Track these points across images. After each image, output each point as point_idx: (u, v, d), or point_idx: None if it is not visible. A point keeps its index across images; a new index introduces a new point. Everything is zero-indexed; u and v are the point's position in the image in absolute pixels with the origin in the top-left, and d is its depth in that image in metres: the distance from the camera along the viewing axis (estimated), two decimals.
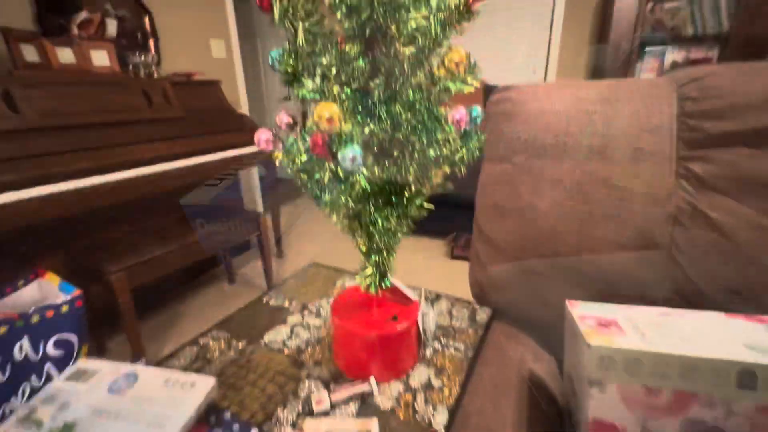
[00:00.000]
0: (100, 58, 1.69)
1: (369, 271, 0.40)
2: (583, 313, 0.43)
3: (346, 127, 0.24)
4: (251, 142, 2.09)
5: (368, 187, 0.30)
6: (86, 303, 1.06)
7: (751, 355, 0.33)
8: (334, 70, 0.29)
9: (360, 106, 0.31)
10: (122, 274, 1.24)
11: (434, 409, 0.38)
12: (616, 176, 0.52)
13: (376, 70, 0.31)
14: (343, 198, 0.33)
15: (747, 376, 0.33)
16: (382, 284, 0.40)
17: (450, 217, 2.15)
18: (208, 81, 2.06)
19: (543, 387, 0.49)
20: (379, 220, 0.35)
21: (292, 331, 0.48)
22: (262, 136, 0.32)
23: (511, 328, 0.59)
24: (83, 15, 1.80)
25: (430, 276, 1.95)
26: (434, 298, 0.55)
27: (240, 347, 0.44)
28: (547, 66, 2.93)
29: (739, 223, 0.47)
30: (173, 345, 1.48)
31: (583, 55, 2.79)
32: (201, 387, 0.35)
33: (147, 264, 1.33)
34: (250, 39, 3.95)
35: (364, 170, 0.29)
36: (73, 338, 0.99)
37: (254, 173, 2.96)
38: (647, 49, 2.43)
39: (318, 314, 0.52)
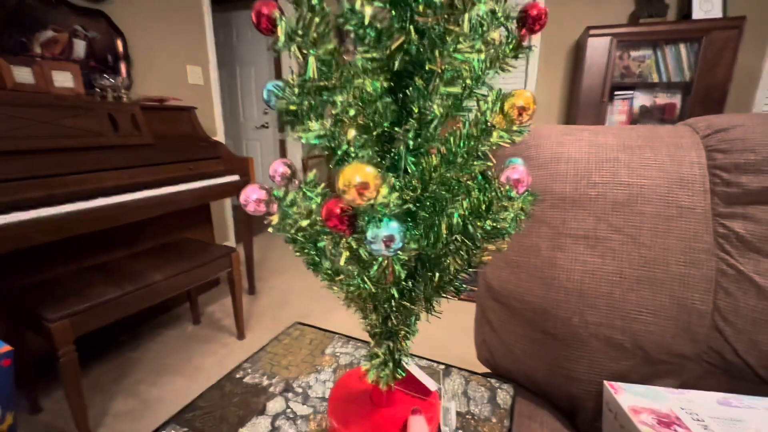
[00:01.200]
0: (63, 80, 1.57)
1: (379, 359, 0.31)
2: (634, 403, 0.36)
3: (383, 197, 0.17)
4: (225, 172, 1.99)
5: (403, 274, 0.23)
6: (19, 358, 0.89)
7: None
8: (352, 111, 0.21)
9: (381, 158, 0.23)
10: (65, 322, 1.07)
11: None
12: (646, 233, 0.46)
13: (406, 113, 0.23)
14: (360, 281, 0.25)
15: None
16: (396, 375, 0.31)
17: None
18: (182, 107, 1.96)
19: None
20: (403, 303, 0.27)
21: (273, 425, 0.38)
22: (252, 195, 0.24)
23: (532, 406, 0.50)
24: (48, 34, 1.69)
25: (432, 321, 1.86)
26: (445, 371, 0.46)
27: None
28: None
29: None
30: (122, 400, 1.28)
31: (557, 95, 2.91)
32: None
33: (96, 310, 1.16)
34: (228, 64, 3.90)
35: (402, 254, 0.21)
36: None
37: (227, 204, 2.82)
38: (617, 93, 2.56)
39: (306, 399, 0.42)
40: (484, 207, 0.25)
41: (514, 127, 0.23)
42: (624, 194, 0.48)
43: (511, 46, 0.24)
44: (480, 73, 0.24)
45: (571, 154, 0.52)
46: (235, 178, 1.95)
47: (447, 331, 1.57)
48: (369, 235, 0.19)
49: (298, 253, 0.30)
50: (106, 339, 1.62)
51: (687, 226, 0.46)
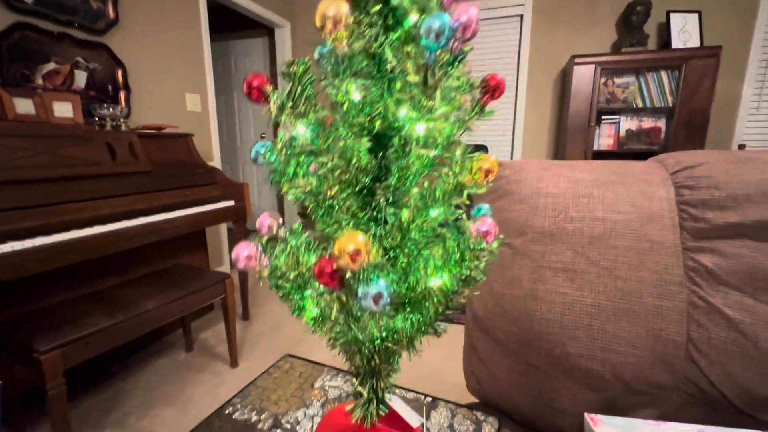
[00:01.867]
0: (63, 110, 1.60)
1: (363, 399, 0.32)
2: (600, 419, 0.37)
3: (373, 258, 0.19)
4: (221, 198, 2.01)
5: (393, 326, 0.24)
6: (7, 392, 0.88)
7: None
8: (337, 172, 0.24)
9: (362, 209, 0.25)
10: (56, 353, 1.06)
11: None
12: (621, 266, 0.49)
13: (385, 169, 0.26)
14: (347, 328, 0.26)
15: None
16: (378, 412, 0.32)
17: None
18: (179, 134, 2.00)
19: None
20: (387, 345, 0.28)
21: None
22: (242, 252, 0.26)
23: (512, 427, 0.51)
24: (51, 66, 1.74)
25: (428, 347, 1.85)
26: (431, 404, 0.47)
27: None
28: (514, 129, 3.11)
29: (757, 323, 0.44)
30: None
31: (546, 120, 2.99)
32: None
33: (87, 340, 1.15)
34: (226, 91, 3.99)
35: (390, 310, 0.23)
36: None
37: (222, 228, 2.83)
38: (603, 117, 2.65)
39: (294, 428, 0.42)
40: (458, 256, 0.27)
41: (481, 188, 0.26)
42: (599, 228, 0.51)
43: (475, 111, 0.27)
44: (450, 133, 0.26)
45: (549, 190, 0.55)
46: (231, 203, 1.97)
47: (443, 359, 1.56)
48: (360, 292, 0.20)
49: (282, 300, 0.32)
50: (97, 369, 1.60)
51: (658, 260, 0.48)
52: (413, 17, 0.25)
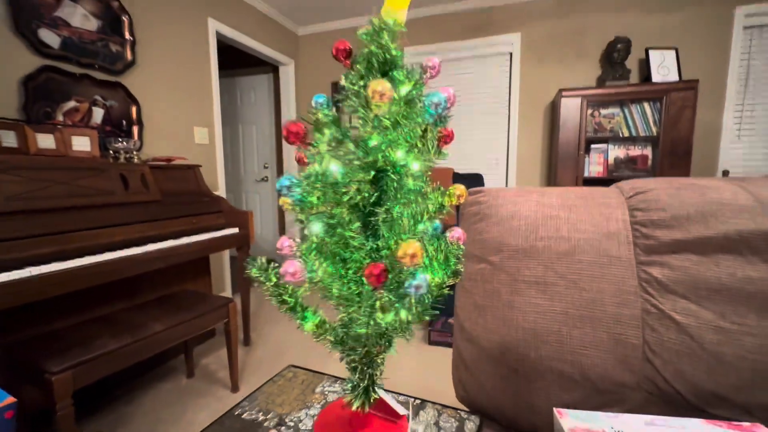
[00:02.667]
0: (81, 144, 1.72)
1: (358, 387, 0.38)
2: (574, 425, 0.43)
3: (420, 260, 0.27)
4: (226, 225, 2.09)
5: (396, 316, 0.32)
6: (20, 410, 0.92)
7: None
8: (351, 194, 0.32)
9: (365, 227, 0.33)
10: (67, 374, 1.10)
11: None
12: (585, 279, 0.56)
13: (383, 198, 0.34)
14: (351, 329, 0.33)
15: None
16: (369, 399, 0.39)
17: None
18: (187, 165, 2.11)
19: None
20: (388, 333, 0.35)
21: None
22: (290, 269, 0.32)
23: (496, 427, 0.56)
24: (71, 104, 1.87)
25: (408, 364, 1.87)
26: (420, 405, 0.53)
27: None
28: (507, 158, 3.24)
29: (703, 326, 0.50)
30: None
31: (538, 149, 3.12)
32: None
33: (97, 362, 1.19)
34: (232, 123, 4.17)
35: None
36: None
37: (225, 256, 2.89)
38: (592, 146, 2.77)
39: (297, 430, 0.48)
40: (442, 257, 0.35)
41: (452, 205, 0.34)
42: (565, 246, 0.58)
43: (435, 154, 0.35)
44: (422, 175, 0.35)
45: (522, 213, 0.63)
46: (235, 230, 2.05)
47: (439, 377, 1.58)
48: (408, 284, 0.28)
49: (284, 311, 0.39)
50: (102, 393, 1.62)
51: (616, 273, 0.55)
52: (406, 88, 0.34)
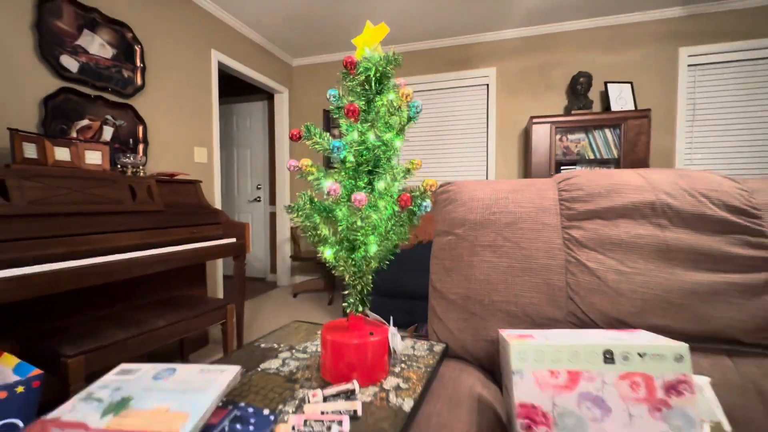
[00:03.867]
0: (94, 158, 1.87)
1: (353, 296, 0.54)
2: (510, 333, 0.59)
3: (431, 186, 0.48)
4: (224, 236, 2.23)
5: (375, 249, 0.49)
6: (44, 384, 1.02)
7: (609, 342, 0.50)
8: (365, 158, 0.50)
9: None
10: (80, 358, 1.21)
11: (402, 400, 0.49)
12: (524, 240, 0.73)
13: (377, 165, 0.52)
14: (350, 255, 0.51)
15: (608, 354, 0.49)
16: (362, 307, 0.54)
17: (411, 309, 2.29)
18: (189, 180, 2.26)
19: (489, 404, 0.60)
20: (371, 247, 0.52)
21: (283, 362, 0.59)
22: (333, 186, 0.50)
23: (463, 364, 0.71)
24: (84, 122, 2.03)
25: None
26: (401, 338, 0.68)
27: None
28: (487, 178, 3.48)
29: (607, 270, 0.68)
30: None
31: (514, 169, 3.38)
32: (230, 371, 0.44)
33: (106, 350, 1.30)
34: (228, 147, 4.35)
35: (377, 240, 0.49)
36: (20, 425, 0.94)
37: (219, 268, 2.99)
38: (562, 167, 3.04)
39: (304, 351, 0.63)
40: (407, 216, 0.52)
41: (429, 192, 0.52)
42: (511, 218, 0.76)
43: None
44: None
45: (479, 196, 0.81)
46: (233, 240, 2.18)
47: None
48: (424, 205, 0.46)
49: (306, 232, 0.55)
50: None
51: (547, 235, 0.73)
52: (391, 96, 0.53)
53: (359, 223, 0.53)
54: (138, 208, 1.83)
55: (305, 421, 0.41)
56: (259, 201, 4.28)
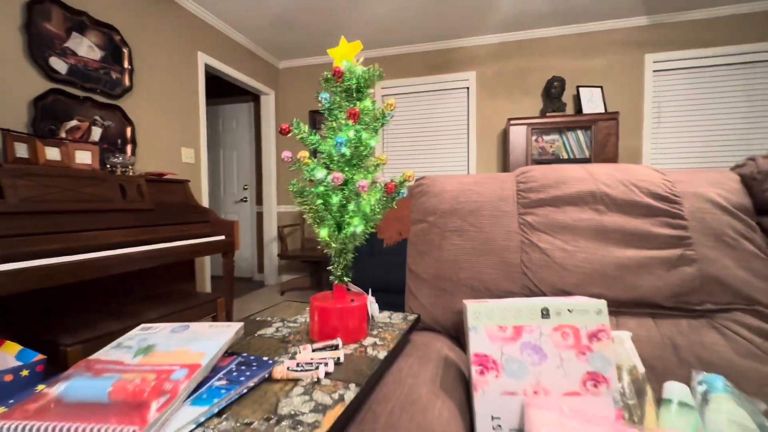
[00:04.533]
0: (84, 158, 1.91)
1: (338, 266, 0.64)
2: (470, 301, 0.70)
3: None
4: (212, 233, 2.29)
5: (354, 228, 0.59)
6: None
7: (546, 302, 0.61)
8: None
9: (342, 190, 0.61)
10: (78, 347, 1.27)
11: (378, 352, 0.59)
12: (485, 225, 0.85)
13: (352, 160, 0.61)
14: (339, 234, 0.61)
15: (545, 310, 0.60)
16: (346, 277, 0.65)
17: (395, 302, 2.39)
18: (178, 180, 2.32)
19: (453, 362, 0.71)
20: (350, 226, 0.62)
21: (277, 330, 0.68)
22: (338, 176, 0.61)
23: (435, 334, 0.82)
24: (73, 123, 2.07)
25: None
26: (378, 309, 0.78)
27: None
28: None
29: (555, 249, 0.80)
30: None
31: (494, 168, 3.53)
32: (235, 326, 0.54)
33: (102, 339, 1.36)
34: (214, 148, 4.38)
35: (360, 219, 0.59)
36: None
37: (207, 267, 3.04)
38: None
39: (295, 322, 0.72)
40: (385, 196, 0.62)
41: (407, 183, 0.62)
42: (475, 205, 0.87)
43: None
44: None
45: (448, 188, 0.92)
46: (222, 237, 2.25)
47: None
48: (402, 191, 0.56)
49: (306, 208, 0.65)
50: None
51: (506, 220, 0.84)
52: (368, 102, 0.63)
53: (351, 206, 0.63)
54: (128, 206, 1.89)
55: (297, 364, 0.51)
56: (246, 201, 4.32)
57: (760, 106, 3.09)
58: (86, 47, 2.13)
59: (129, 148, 2.37)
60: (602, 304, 0.59)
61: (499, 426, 0.58)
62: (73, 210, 1.65)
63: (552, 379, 0.58)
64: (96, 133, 2.19)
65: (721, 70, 3.16)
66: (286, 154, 0.64)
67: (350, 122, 0.63)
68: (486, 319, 0.61)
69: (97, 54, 2.18)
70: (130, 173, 2.14)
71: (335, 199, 0.63)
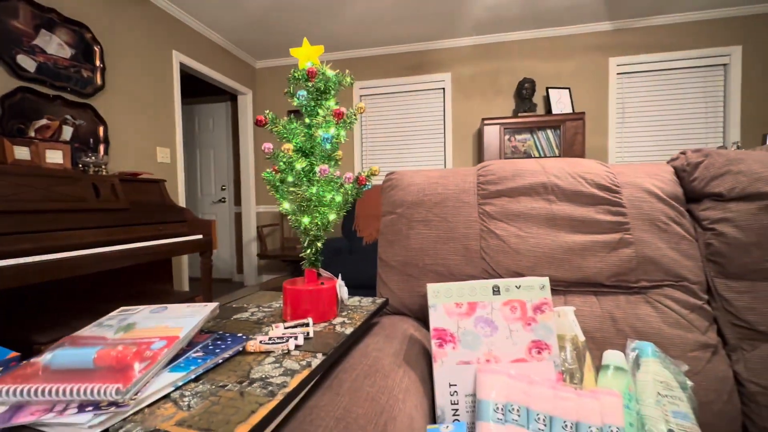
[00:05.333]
0: (54, 157, 1.88)
1: (309, 252, 0.69)
2: (432, 282, 0.76)
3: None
4: (189, 233, 2.28)
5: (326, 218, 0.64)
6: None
7: (497, 280, 0.68)
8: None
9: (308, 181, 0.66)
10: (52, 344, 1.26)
11: (345, 329, 0.65)
12: (449, 215, 0.91)
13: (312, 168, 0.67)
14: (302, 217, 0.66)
15: (496, 288, 0.67)
16: (316, 262, 0.70)
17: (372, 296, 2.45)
18: (154, 179, 2.30)
19: (418, 339, 0.77)
20: (319, 216, 0.67)
21: (251, 314, 0.73)
22: (322, 167, 0.64)
23: (402, 317, 0.88)
24: (43, 122, 2.04)
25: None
26: (349, 293, 0.83)
27: (214, 322, 0.66)
28: None
29: (510, 235, 0.87)
30: None
31: (470, 166, 3.64)
32: (211, 305, 0.58)
33: None
34: (190, 148, 4.33)
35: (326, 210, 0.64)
36: None
37: (184, 267, 3.01)
38: None
39: (270, 307, 0.77)
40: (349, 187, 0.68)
41: (373, 176, 0.67)
42: (439, 197, 0.94)
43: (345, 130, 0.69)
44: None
45: (416, 182, 0.99)
46: (199, 236, 2.25)
47: None
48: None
49: (277, 195, 0.69)
50: None
51: (467, 210, 0.91)
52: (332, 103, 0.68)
53: (328, 197, 0.68)
54: (102, 206, 1.87)
55: (269, 338, 0.56)
56: (224, 202, 4.29)
57: (714, 105, 3.31)
58: (56, 45, 2.09)
59: (102, 147, 2.33)
60: (545, 280, 0.67)
61: (456, 392, 0.64)
62: (45, 209, 1.63)
63: (502, 349, 0.65)
64: (67, 132, 2.15)
65: (679, 72, 3.37)
66: (267, 145, 0.68)
67: (334, 120, 0.69)
68: (444, 297, 0.68)
69: (67, 52, 2.14)
70: (104, 173, 2.12)
71: (313, 190, 0.68)
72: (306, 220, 0.70)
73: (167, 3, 2.82)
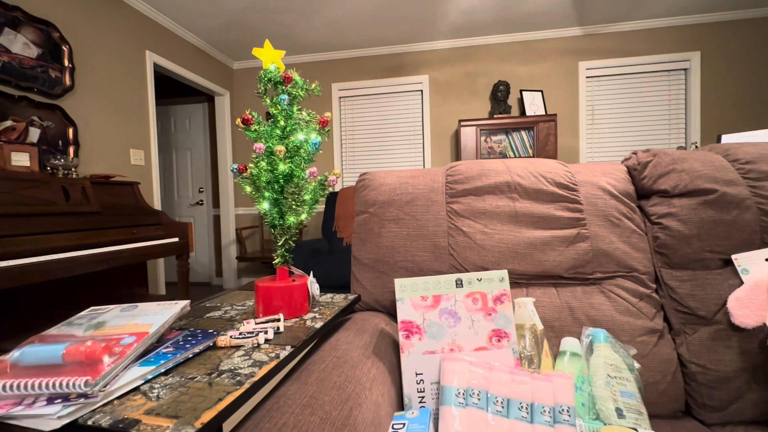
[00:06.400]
0: (21, 159, 1.83)
1: (280, 251, 0.71)
2: (400, 277, 0.79)
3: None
4: (165, 236, 2.25)
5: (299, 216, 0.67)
6: None
7: (459, 276, 0.72)
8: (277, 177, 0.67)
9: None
10: None
11: (316, 323, 0.67)
12: (419, 214, 0.95)
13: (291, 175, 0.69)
14: (280, 219, 0.68)
15: (459, 281, 0.71)
16: (286, 260, 0.72)
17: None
18: (127, 182, 2.26)
19: (388, 333, 0.80)
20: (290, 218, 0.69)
21: (225, 312, 0.74)
22: (311, 169, 0.66)
23: (374, 312, 0.91)
24: (7, 123, 1.97)
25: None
26: (321, 291, 0.86)
27: (187, 320, 0.66)
28: None
29: (476, 232, 0.91)
30: None
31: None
32: (181, 303, 0.59)
33: None
34: (165, 149, 4.24)
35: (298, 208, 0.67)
36: None
37: (161, 270, 2.95)
38: None
39: (243, 305, 0.79)
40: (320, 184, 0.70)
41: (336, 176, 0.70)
42: (410, 197, 0.98)
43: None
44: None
45: (387, 182, 1.02)
46: (175, 240, 2.22)
47: None
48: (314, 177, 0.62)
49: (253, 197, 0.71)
50: None
51: (436, 208, 0.95)
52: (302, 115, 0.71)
53: (305, 196, 0.71)
54: (72, 209, 1.83)
55: (240, 333, 0.58)
56: (202, 204, 4.22)
57: (676, 107, 3.49)
58: (21, 44, 2.03)
59: (71, 149, 2.27)
60: (504, 273, 0.71)
61: (422, 381, 0.68)
62: (11, 213, 1.58)
63: (465, 338, 0.69)
64: (34, 134, 2.09)
65: (644, 76, 3.53)
66: (258, 146, 0.70)
67: (318, 126, 0.72)
68: (411, 291, 0.71)
69: (33, 51, 2.08)
70: (74, 175, 2.07)
71: (291, 189, 0.71)
72: (292, 219, 0.72)
73: (140, 3, 2.77)
